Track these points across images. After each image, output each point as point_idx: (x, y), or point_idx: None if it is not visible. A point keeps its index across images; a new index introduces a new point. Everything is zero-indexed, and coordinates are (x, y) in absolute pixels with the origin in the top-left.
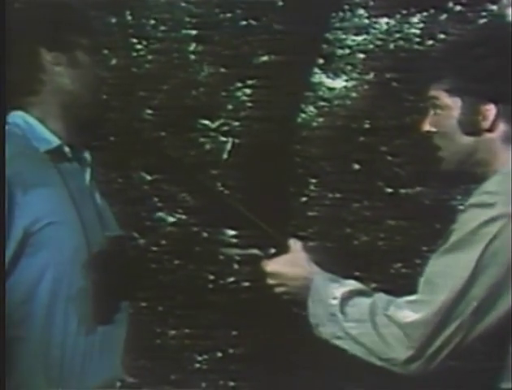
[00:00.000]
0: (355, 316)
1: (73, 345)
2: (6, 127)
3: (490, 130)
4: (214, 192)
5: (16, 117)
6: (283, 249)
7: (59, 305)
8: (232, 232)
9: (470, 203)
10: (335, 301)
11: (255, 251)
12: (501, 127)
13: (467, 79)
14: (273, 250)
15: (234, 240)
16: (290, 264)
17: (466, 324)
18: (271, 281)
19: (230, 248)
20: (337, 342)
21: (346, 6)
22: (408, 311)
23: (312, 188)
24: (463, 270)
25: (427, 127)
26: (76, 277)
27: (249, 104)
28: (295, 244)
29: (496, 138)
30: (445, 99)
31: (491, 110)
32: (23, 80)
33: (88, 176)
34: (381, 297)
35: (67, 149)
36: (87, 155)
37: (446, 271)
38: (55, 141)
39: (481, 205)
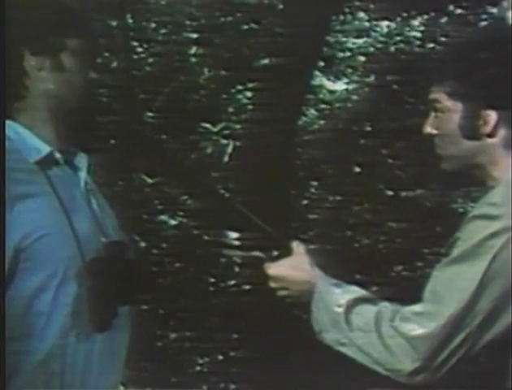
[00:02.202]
0: (360, 325)
1: (73, 354)
2: None
3: (490, 135)
4: (216, 195)
5: (9, 127)
6: (286, 252)
7: (57, 315)
8: (235, 234)
9: (474, 214)
10: (339, 309)
11: (258, 253)
12: (502, 132)
13: (469, 83)
14: (276, 253)
15: (236, 243)
16: (293, 267)
17: (473, 336)
18: (273, 284)
19: (232, 250)
20: (341, 349)
21: (347, 9)
22: (415, 324)
23: (313, 190)
24: (470, 282)
25: (428, 129)
26: (72, 286)
27: (250, 107)
28: (298, 247)
29: (496, 143)
30: (446, 102)
31: (491, 115)
32: (8, 85)
33: (82, 181)
34: (386, 307)
35: (58, 155)
36: (81, 159)
37: (452, 283)
38: (45, 149)
39: (486, 217)
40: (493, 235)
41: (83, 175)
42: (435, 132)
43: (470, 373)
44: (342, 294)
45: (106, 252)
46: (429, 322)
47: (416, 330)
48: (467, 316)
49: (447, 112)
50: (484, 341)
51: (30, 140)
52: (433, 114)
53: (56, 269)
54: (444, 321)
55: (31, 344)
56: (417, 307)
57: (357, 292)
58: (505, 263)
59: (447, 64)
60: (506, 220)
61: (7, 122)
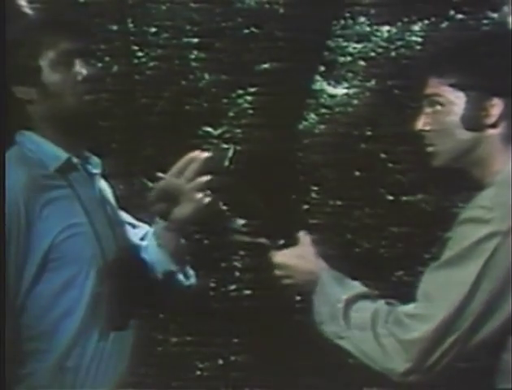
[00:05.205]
0: (357, 322)
1: (89, 351)
2: (18, 148)
3: (493, 126)
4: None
5: (26, 138)
6: (292, 242)
7: (79, 312)
8: (242, 221)
9: (465, 217)
10: (339, 305)
11: (264, 240)
12: (504, 125)
13: (474, 73)
14: (282, 241)
15: (244, 229)
16: (298, 257)
17: (464, 337)
18: (278, 272)
19: (239, 235)
20: (340, 342)
21: (348, 14)
22: (407, 326)
23: (314, 195)
24: (462, 285)
25: (420, 125)
26: (94, 285)
27: (251, 111)
28: (304, 237)
29: (497, 135)
30: (448, 94)
31: (497, 105)
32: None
33: (97, 186)
34: (383, 306)
35: (75, 160)
36: (96, 166)
37: (444, 286)
38: (64, 156)
39: (477, 221)
40: (484, 239)
41: (97, 181)
42: (427, 128)
43: (462, 373)
44: (343, 289)
45: (121, 256)
46: (421, 324)
47: (408, 333)
48: (459, 319)
49: (448, 105)
50: (475, 342)
51: (48, 149)
52: (429, 109)
53: (80, 268)
54: (436, 324)
55: (53, 341)
56: (410, 308)
57: (357, 287)
58: (497, 267)
59: (450, 56)
60: (498, 224)
61: (26, 132)
